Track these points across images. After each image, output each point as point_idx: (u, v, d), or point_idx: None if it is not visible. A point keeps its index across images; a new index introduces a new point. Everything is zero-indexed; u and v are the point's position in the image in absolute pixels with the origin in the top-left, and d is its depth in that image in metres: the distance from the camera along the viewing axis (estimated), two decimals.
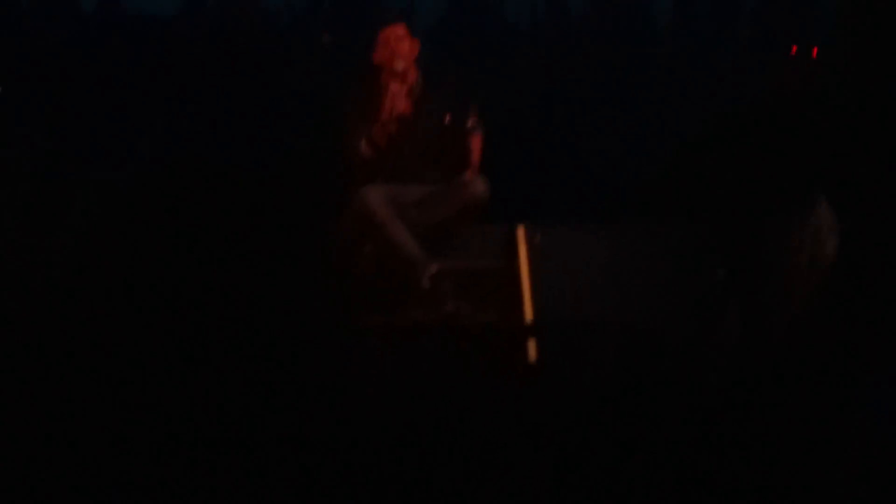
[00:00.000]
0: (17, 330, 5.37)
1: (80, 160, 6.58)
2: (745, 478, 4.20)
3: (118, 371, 5.07)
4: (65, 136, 6.68)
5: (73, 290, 5.72)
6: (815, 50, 6.88)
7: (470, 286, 5.60)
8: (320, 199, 5.99)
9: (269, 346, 5.29)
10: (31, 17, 7.55)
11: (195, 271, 5.83)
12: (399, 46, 5.76)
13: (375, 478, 4.24)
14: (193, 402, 4.80)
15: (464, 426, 4.63)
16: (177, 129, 7.05)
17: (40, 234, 6.04)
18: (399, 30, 5.79)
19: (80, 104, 6.93)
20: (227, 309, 5.59)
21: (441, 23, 8.95)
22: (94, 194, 6.23)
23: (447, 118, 5.82)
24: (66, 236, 6.06)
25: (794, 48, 6.99)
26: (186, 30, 7.84)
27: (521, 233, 5.63)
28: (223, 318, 5.51)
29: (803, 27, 7.67)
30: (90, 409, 4.75)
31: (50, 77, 6.95)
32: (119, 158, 6.67)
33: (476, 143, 5.85)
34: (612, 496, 4.20)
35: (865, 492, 4.15)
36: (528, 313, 5.50)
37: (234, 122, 7.06)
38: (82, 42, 7.27)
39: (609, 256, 5.59)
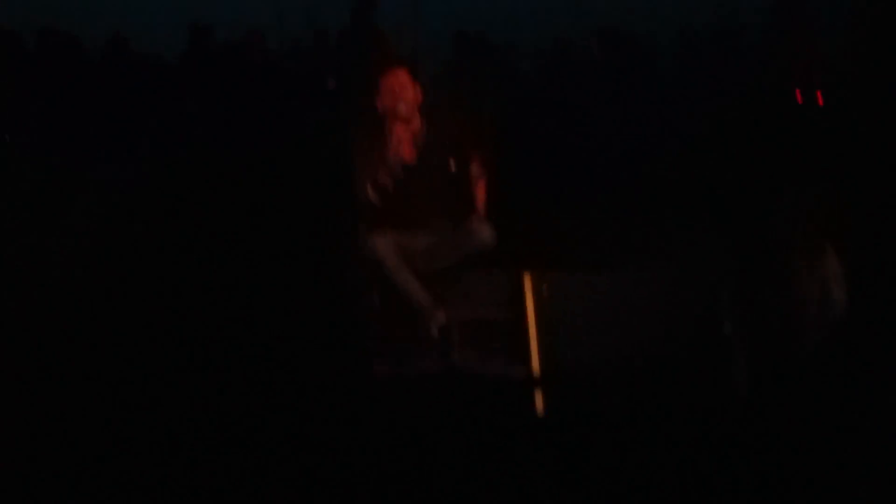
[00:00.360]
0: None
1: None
2: None
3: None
4: (68, 184, 6.67)
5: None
6: (819, 94, 6.89)
7: (477, 335, 5.57)
8: (327, 247, 5.98)
9: (274, 391, 5.27)
10: (35, 58, 7.56)
11: (199, 323, 5.81)
12: (403, 93, 5.75)
13: None
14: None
15: (470, 478, 4.60)
16: (179, 169, 7.04)
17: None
18: (402, 76, 5.78)
19: (84, 146, 6.93)
20: (232, 356, 5.58)
21: (446, 68, 8.97)
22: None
23: (452, 164, 5.81)
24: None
25: (798, 93, 6.99)
26: (192, 71, 7.84)
27: (527, 280, 5.59)
28: (228, 366, 5.50)
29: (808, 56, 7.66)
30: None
31: (55, 120, 6.96)
32: (125, 191, 6.67)
33: (481, 190, 5.84)
34: None
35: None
36: (536, 363, 5.47)
37: (238, 166, 7.05)
38: (88, 83, 7.27)
39: (617, 304, 5.55)
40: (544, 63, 9.23)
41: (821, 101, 6.91)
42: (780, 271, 5.68)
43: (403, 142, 5.75)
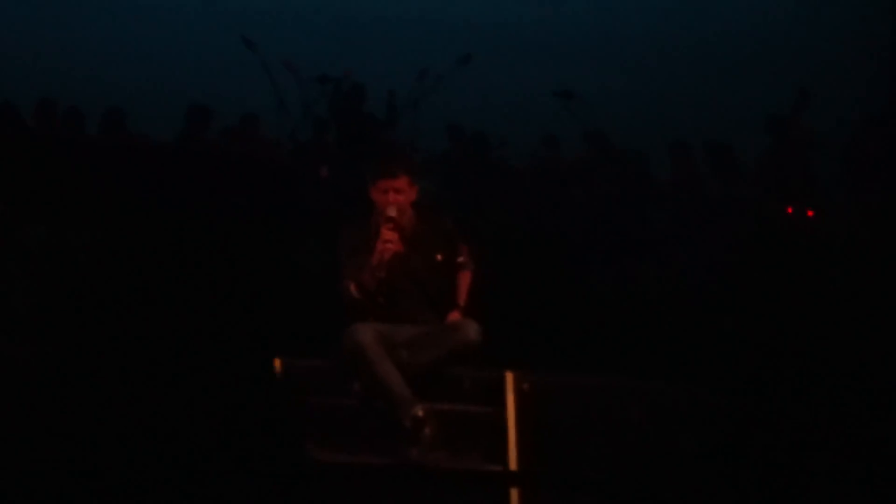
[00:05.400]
0: None
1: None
2: None
3: None
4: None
5: None
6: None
7: (454, 430, 5.55)
8: (311, 332, 6.00)
9: (242, 475, 5.25)
10: (34, 135, 7.63)
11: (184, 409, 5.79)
12: (398, 197, 5.76)
13: None
14: None
15: None
16: (172, 251, 7.07)
17: None
18: (400, 182, 5.77)
19: (80, 223, 6.97)
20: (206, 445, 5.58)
21: (439, 159, 9.04)
22: None
23: (439, 258, 5.82)
24: None
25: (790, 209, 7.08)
26: (188, 155, 7.90)
27: (509, 379, 5.59)
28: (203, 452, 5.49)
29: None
30: None
31: (52, 198, 7.00)
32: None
33: (465, 280, 5.85)
34: None
35: None
36: (513, 462, 5.45)
37: (230, 249, 7.09)
38: (85, 162, 7.33)
39: (600, 410, 5.55)
40: (538, 155, 9.33)
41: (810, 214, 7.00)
42: None
43: (393, 233, 5.75)
